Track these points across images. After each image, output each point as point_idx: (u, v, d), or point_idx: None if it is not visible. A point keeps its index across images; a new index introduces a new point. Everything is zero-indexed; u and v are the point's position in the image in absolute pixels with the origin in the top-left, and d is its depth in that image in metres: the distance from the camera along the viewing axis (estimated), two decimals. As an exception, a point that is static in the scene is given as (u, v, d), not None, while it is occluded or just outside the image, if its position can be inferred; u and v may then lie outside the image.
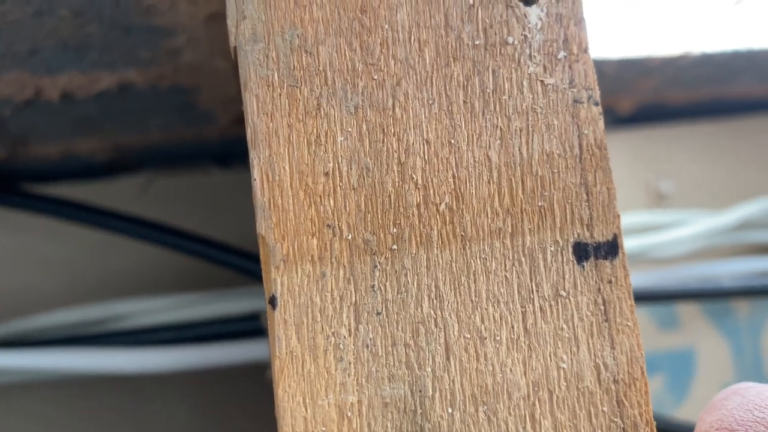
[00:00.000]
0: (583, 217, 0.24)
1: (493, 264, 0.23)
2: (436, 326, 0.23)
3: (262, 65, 0.23)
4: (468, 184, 0.24)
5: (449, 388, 0.23)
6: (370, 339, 0.23)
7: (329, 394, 0.22)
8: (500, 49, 0.24)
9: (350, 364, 0.22)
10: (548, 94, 0.24)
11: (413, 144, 0.24)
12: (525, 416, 0.23)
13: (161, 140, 0.44)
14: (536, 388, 0.23)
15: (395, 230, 0.23)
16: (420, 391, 0.22)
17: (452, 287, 0.23)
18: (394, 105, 0.24)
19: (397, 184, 0.23)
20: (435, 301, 0.23)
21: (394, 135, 0.24)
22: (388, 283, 0.23)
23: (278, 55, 0.23)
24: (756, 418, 0.22)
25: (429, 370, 0.23)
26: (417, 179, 0.23)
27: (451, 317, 0.23)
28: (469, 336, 0.23)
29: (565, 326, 0.23)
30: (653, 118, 0.52)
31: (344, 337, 0.22)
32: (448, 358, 0.23)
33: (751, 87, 0.51)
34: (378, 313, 0.23)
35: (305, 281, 0.23)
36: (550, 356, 0.23)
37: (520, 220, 0.24)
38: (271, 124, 0.23)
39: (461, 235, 0.23)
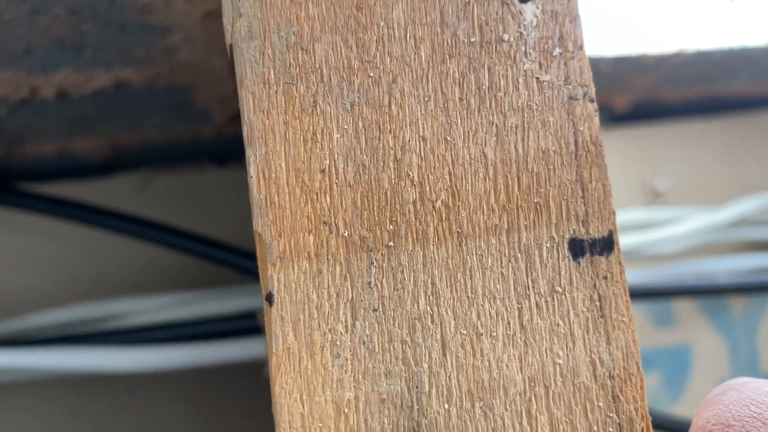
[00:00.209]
0: (579, 214, 0.24)
1: (489, 260, 0.23)
2: (432, 322, 0.23)
3: (258, 63, 0.23)
4: (464, 180, 0.24)
5: (446, 384, 0.23)
6: (367, 335, 0.23)
7: (326, 391, 0.22)
8: (496, 46, 0.24)
9: (347, 360, 0.22)
10: (544, 91, 0.24)
11: (409, 141, 0.24)
12: (521, 412, 0.23)
13: (157, 139, 0.44)
14: (532, 384, 0.23)
15: (391, 227, 0.23)
16: (417, 387, 0.23)
17: (448, 284, 0.23)
18: (390, 102, 0.24)
19: (393, 181, 0.23)
20: (431, 297, 0.23)
21: (390, 132, 0.24)
22: (384, 280, 0.23)
23: (274, 53, 0.24)
24: (752, 414, 0.22)
25: (425, 366, 0.23)
26: (413, 176, 0.23)
27: (447, 314, 0.23)
28: (465, 332, 0.23)
29: (561, 322, 0.23)
30: (649, 115, 0.52)
31: (341, 333, 0.22)
32: (444, 355, 0.23)
33: (746, 84, 0.52)
34: (374, 310, 0.23)
35: (302, 278, 0.23)
36: (546, 352, 0.23)
37: (515, 216, 0.24)
38: (267, 121, 0.23)
39: (457, 231, 0.23)
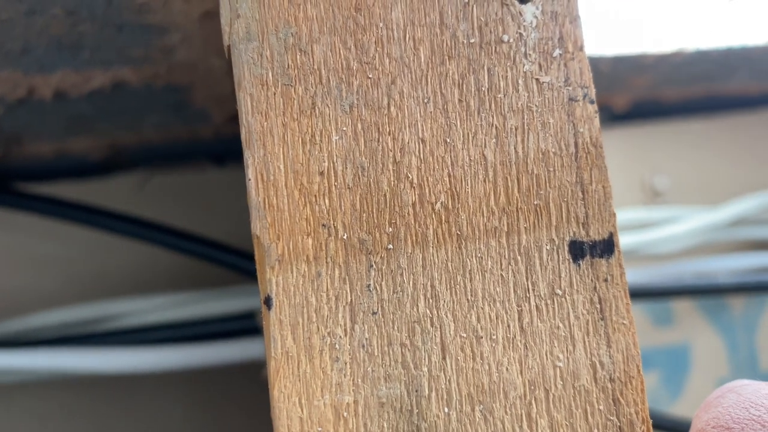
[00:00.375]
0: (579, 216, 0.24)
1: (489, 263, 0.23)
2: (432, 326, 0.23)
3: (256, 64, 0.23)
4: (463, 182, 0.24)
5: (445, 387, 0.23)
6: (366, 339, 0.22)
7: (325, 395, 0.22)
8: (495, 47, 0.24)
9: (346, 364, 0.22)
10: (543, 92, 0.24)
11: (408, 143, 0.23)
12: (521, 415, 0.23)
13: (156, 139, 0.43)
14: (532, 387, 0.23)
15: (391, 229, 0.23)
16: (416, 391, 0.22)
17: (448, 286, 0.23)
18: (389, 104, 0.24)
19: (392, 183, 0.23)
20: (431, 300, 0.23)
21: (389, 134, 0.23)
22: (383, 283, 0.23)
23: (272, 54, 0.23)
24: (752, 416, 0.22)
25: (425, 369, 0.23)
26: (412, 178, 0.23)
27: (447, 316, 0.23)
28: (465, 335, 0.23)
29: (561, 325, 0.23)
30: (648, 115, 0.52)
31: (340, 337, 0.22)
32: (444, 358, 0.23)
33: (745, 84, 0.52)
34: (374, 313, 0.23)
35: (300, 281, 0.23)
36: (546, 355, 0.23)
37: (515, 218, 0.24)
38: (265, 123, 0.23)
39: (457, 234, 0.23)
